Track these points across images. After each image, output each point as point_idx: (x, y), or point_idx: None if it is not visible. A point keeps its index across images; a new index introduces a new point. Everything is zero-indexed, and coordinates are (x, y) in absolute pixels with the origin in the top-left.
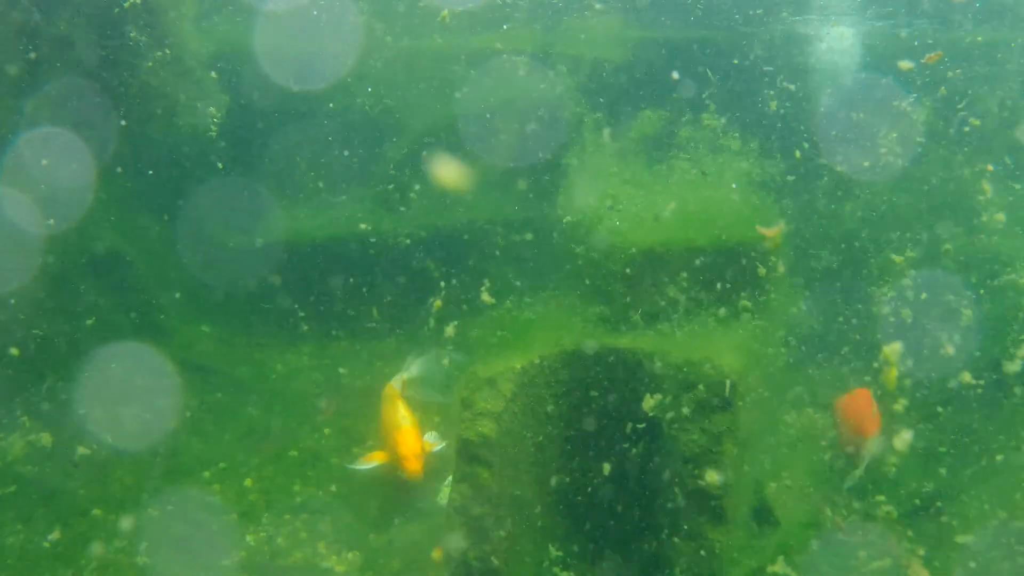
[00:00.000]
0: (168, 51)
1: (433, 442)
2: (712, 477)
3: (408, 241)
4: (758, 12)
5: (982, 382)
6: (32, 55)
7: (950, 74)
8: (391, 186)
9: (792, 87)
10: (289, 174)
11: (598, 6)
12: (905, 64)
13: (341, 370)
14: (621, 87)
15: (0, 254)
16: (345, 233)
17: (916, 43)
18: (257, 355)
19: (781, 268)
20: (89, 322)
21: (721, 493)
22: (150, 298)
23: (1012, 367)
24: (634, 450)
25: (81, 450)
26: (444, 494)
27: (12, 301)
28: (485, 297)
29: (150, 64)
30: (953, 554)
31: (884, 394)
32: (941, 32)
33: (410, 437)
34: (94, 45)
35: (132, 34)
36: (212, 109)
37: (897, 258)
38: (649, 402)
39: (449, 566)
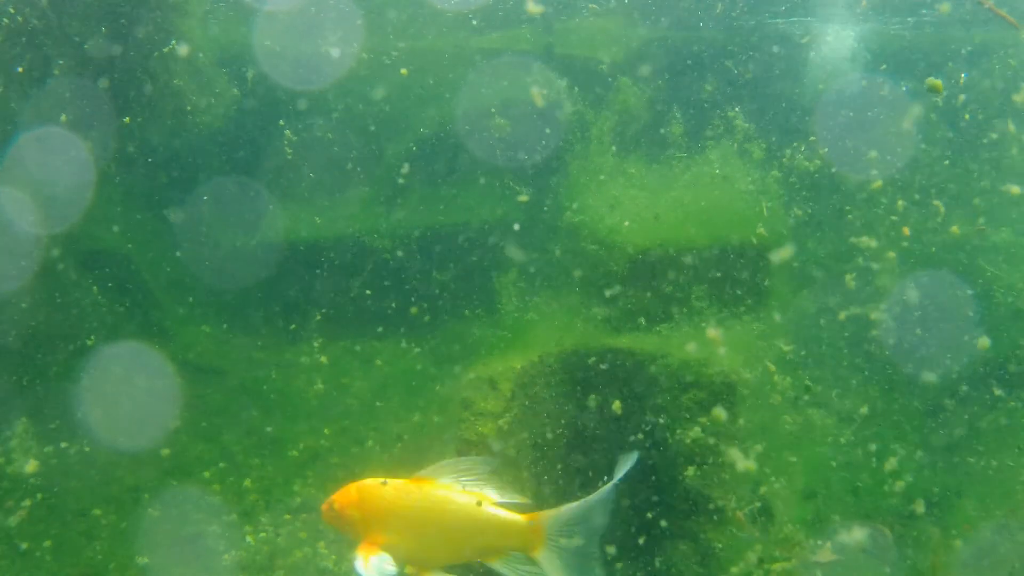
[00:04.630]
0: (178, 49)
1: None
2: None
3: (408, 241)
4: (764, 13)
5: (980, 382)
6: (41, 54)
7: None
8: (391, 186)
9: (793, 86)
10: (289, 174)
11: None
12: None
13: (344, 380)
14: (621, 87)
15: (0, 254)
16: (345, 233)
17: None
18: (257, 355)
19: (781, 268)
20: (88, 322)
21: (721, 493)
22: (150, 298)
23: (1012, 367)
24: (634, 450)
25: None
26: None
27: (12, 301)
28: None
29: (161, 62)
30: (950, 555)
31: None
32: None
33: None
34: (104, 44)
35: (143, 33)
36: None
37: (896, 255)
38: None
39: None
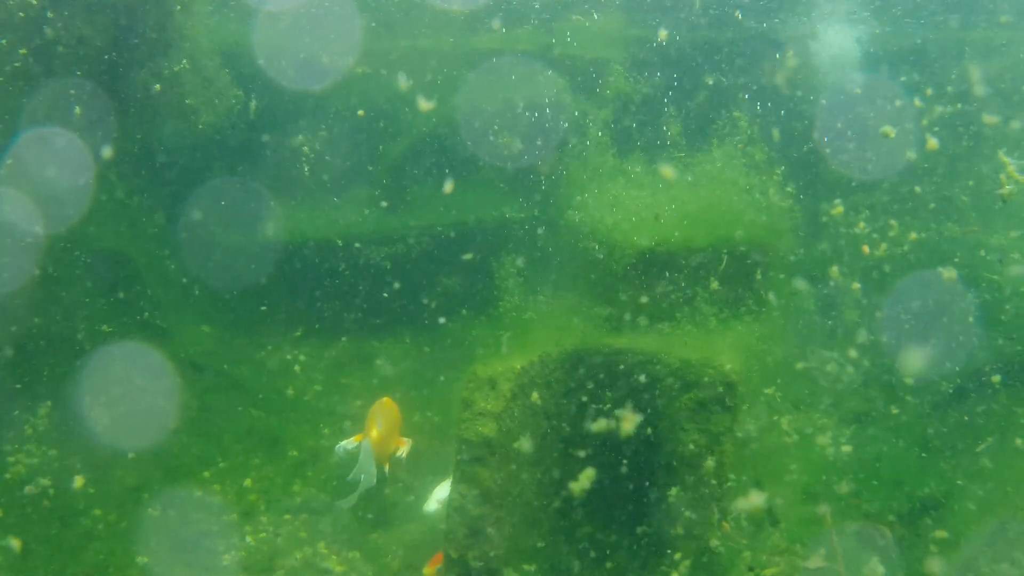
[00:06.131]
0: (183, 50)
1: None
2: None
3: (408, 241)
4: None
5: (981, 381)
6: (45, 53)
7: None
8: (391, 186)
9: (792, 86)
10: (289, 174)
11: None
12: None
13: (344, 380)
14: (614, 73)
15: (0, 254)
16: (345, 233)
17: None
18: (257, 355)
19: (781, 268)
20: (88, 322)
21: (720, 493)
22: (150, 298)
23: (1013, 367)
24: (634, 450)
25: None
26: (431, 500)
27: (12, 301)
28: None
29: (164, 62)
30: (950, 554)
31: None
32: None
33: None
34: (110, 44)
35: (148, 33)
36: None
37: (892, 254)
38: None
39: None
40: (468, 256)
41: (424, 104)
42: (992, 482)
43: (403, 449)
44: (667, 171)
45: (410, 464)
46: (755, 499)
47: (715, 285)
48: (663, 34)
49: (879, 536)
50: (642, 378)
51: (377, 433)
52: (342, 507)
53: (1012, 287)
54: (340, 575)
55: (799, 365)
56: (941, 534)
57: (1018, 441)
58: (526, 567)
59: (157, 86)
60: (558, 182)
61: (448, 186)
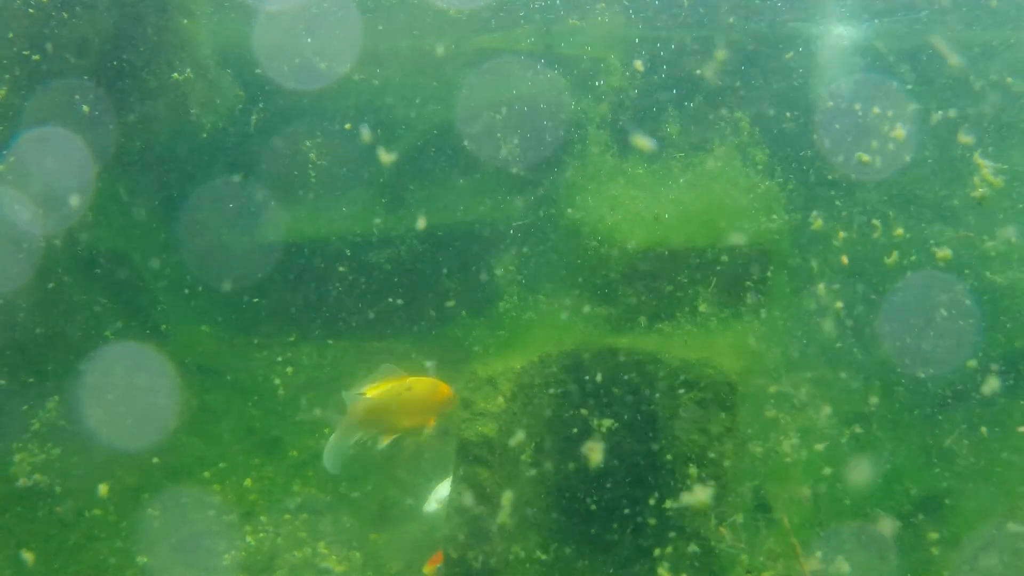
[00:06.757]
0: (186, 57)
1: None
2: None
3: (408, 241)
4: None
5: (982, 381)
6: (47, 53)
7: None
8: (392, 186)
9: (791, 86)
10: (289, 174)
11: (600, 5)
12: None
13: (344, 379)
14: (621, 87)
15: (0, 254)
16: (345, 233)
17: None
18: (257, 355)
19: (782, 269)
20: (88, 322)
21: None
22: (150, 298)
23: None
24: (633, 450)
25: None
26: (431, 500)
27: (12, 302)
28: None
29: (165, 62)
30: (951, 554)
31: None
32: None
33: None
34: (111, 44)
35: (149, 33)
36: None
37: (895, 258)
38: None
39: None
40: (451, 303)
41: (385, 156)
42: (991, 482)
43: (428, 429)
44: (643, 143)
45: (410, 464)
46: (700, 494)
47: (703, 307)
48: (638, 64)
49: (878, 537)
50: (642, 378)
51: (365, 400)
52: (329, 468)
53: (1009, 288)
54: (340, 575)
55: (772, 388)
56: (934, 535)
57: (983, 430)
58: (539, 554)
59: (160, 91)
60: (558, 182)
61: (421, 221)
